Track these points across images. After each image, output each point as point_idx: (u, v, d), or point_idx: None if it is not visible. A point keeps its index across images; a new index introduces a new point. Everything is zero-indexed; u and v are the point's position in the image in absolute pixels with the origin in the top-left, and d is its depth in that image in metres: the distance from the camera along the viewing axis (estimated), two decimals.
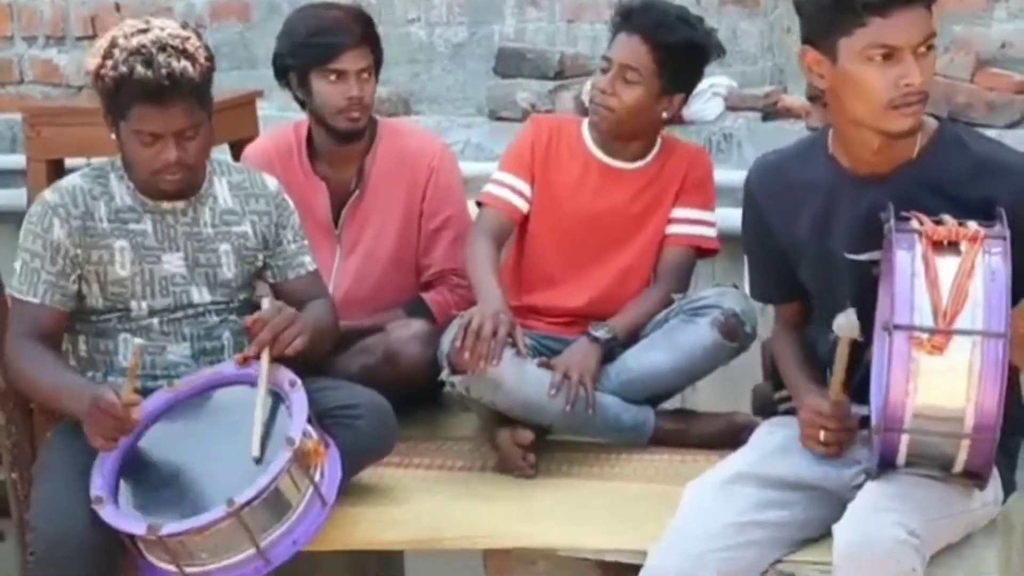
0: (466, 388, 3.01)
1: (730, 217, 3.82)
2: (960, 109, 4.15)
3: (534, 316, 3.30)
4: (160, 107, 2.80)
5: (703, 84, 4.40)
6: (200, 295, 2.98)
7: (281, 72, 3.45)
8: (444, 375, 3.05)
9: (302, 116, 3.52)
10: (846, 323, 2.41)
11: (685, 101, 3.32)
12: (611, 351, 3.15)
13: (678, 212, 3.28)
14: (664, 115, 3.24)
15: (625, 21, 3.20)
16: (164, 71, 2.77)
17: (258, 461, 2.70)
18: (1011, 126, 4.12)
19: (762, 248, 2.75)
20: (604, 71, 3.21)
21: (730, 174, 4.15)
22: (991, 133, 4.04)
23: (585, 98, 3.67)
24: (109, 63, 2.82)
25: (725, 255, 4.09)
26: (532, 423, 3.05)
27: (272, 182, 3.10)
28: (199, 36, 2.91)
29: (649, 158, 3.30)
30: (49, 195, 2.94)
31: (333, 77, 3.34)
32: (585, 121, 3.34)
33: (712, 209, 3.32)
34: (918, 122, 2.45)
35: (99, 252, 2.92)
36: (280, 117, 4.53)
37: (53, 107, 4.46)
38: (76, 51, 5.40)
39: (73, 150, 3.91)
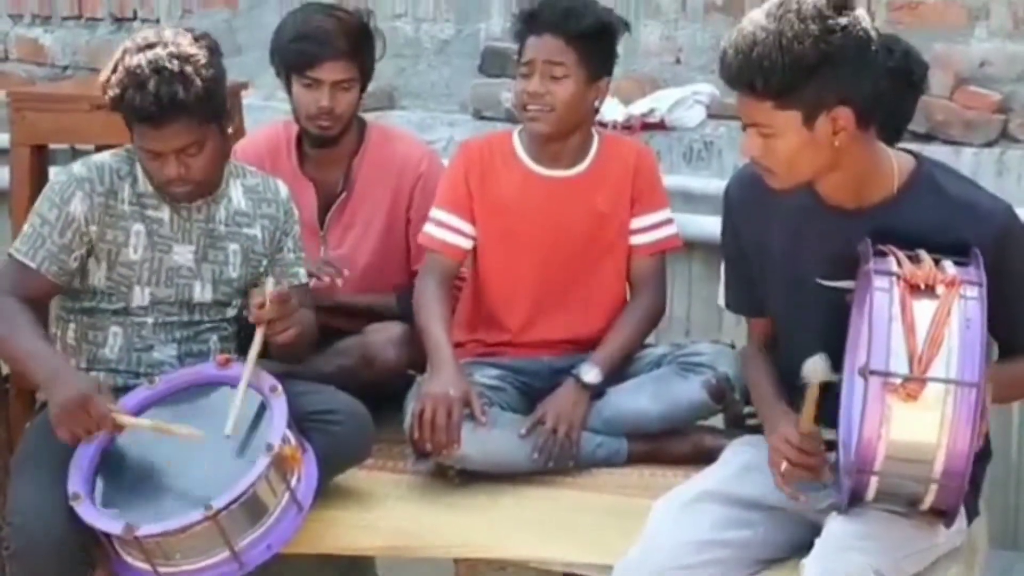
0: (435, 464, 3.03)
1: (708, 224, 3.87)
2: (938, 127, 4.18)
3: (509, 347, 3.29)
4: (155, 129, 2.82)
5: (685, 91, 4.46)
6: (202, 292, 3.00)
7: (274, 66, 3.49)
8: (410, 463, 3.07)
9: (286, 105, 3.53)
10: (815, 368, 2.41)
11: (608, 86, 3.26)
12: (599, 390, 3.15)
13: (637, 222, 3.26)
14: (596, 104, 3.22)
15: (532, 23, 3.16)
16: (153, 97, 2.77)
17: (239, 449, 2.74)
18: (988, 144, 4.15)
19: (737, 259, 2.75)
20: (526, 76, 3.16)
21: (710, 182, 4.20)
22: (968, 151, 4.11)
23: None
24: (111, 80, 2.83)
25: (700, 261, 4.15)
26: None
27: (284, 188, 3.13)
28: (211, 51, 2.88)
29: (588, 160, 3.26)
30: (78, 168, 2.95)
31: (308, 83, 3.36)
32: (516, 132, 3.29)
33: (667, 204, 3.32)
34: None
35: (115, 232, 2.94)
36: (264, 106, 4.57)
37: (39, 92, 4.42)
38: (62, 31, 5.40)
39: (57, 136, 3.90)
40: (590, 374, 3.13)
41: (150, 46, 2.83)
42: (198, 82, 2.81)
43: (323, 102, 3.35)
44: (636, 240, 3.28)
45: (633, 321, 3.25)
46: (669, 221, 3.30)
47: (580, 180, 3.25)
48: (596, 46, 3.17)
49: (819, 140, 2.44)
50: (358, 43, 3.41)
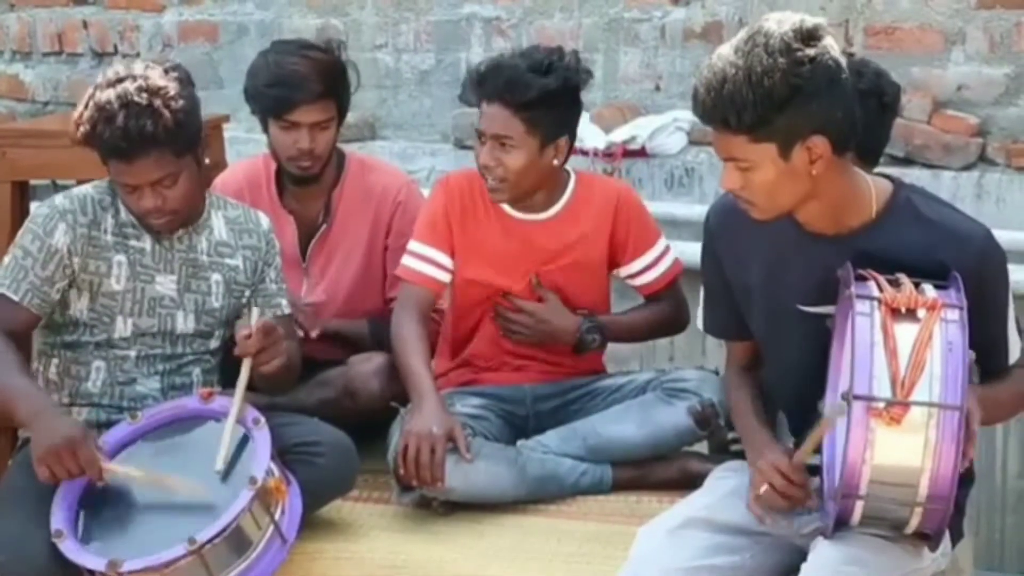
0: (420, 495, 3.03)
1: (690, 250, 3.88)
2: (917, 151, 4.22)
3: (491, 372, 3.30)
4: (127, 163, 2.82)
5: (665, 118, 4.48)
6: (185, 322, 3.00)
7: (249, 107, 3.48)
8: (395, 495, 3.07)
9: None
10: (836, 411, 2.39)
11: (572, 141, 3.19)
12: (586, 341, 3.24)
13: (637, 264, 3.28)
14: (555, 162, 3.15)
15: (481, 89, 3.12)
16: (121, 132, 2.78)
17: (222, 477, 2.72)
18: (966, 168, 4.19)
19: (717, 285, 2.76)
20: (480, 143, 3.12)
21: (691, 208, 4.22)
22: (947, 175, 4.14)
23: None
24: (82, 116, 2.84)
25: (684, 287, 4.14)
26: None
27: (265, 220, 3.13)
28: (182, 82, 2.88)
29: (564, 200, 3.24)
30: (60, 200, 2.95)
31: (286, 126, 3.34)
32: None
33: (660, 234, 3.32)
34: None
35: (97, 263, 2.94)
36: (247, 139, 4.57)
37: (19, 128, 4.43)
38: (42, 66, 5.41)
39: (38, 172, 3.91)
40: (590, 318, 3.23)
41: (120, 80, 2.83)
42: (167, 114, 2.80)
43: (302, 144, 3.34)
44: (643, 280, 3.30)
45: (643, 311, 3.33)
46: (667, 250, 3.31)
47: (557, 221, 3.25)
48: (547, 114, 3.09)
49: (797, 170, 2.44)
50: (333, 82, 3.38)
